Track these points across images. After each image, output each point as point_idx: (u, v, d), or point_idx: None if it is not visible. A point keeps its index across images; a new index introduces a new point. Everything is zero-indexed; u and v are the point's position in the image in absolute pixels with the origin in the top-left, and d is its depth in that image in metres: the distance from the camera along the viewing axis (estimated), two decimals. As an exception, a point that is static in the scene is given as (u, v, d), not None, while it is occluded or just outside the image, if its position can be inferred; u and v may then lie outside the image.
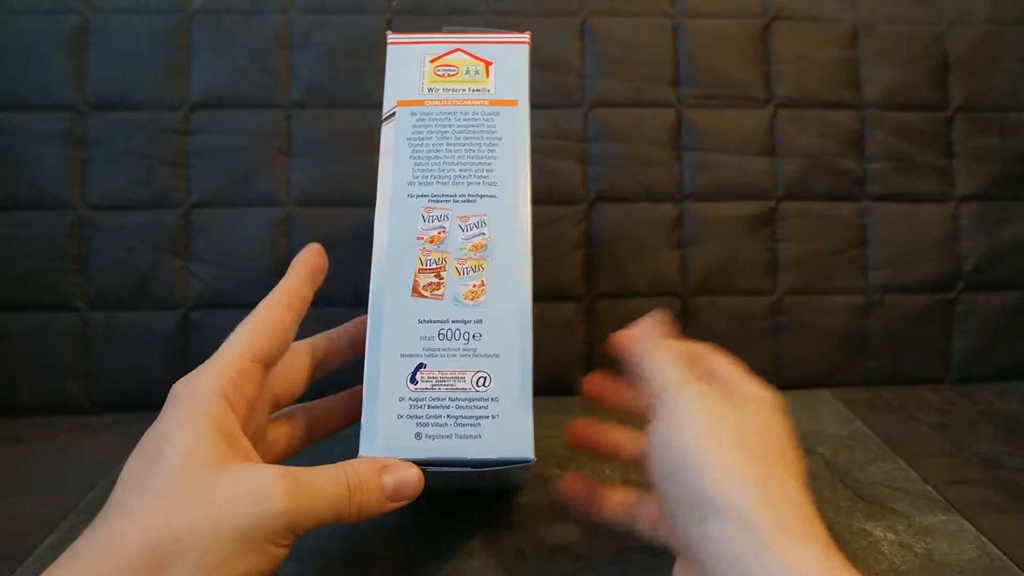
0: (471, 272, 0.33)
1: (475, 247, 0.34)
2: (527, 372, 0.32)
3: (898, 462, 0.45)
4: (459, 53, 0.38)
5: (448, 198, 0.34)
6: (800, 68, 0.58)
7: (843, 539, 0.37)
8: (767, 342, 0.57)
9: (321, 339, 0.37)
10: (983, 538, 0.37)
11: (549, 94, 0.56)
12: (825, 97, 0.58)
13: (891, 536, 0.37)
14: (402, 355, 0.32)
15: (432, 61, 0.37)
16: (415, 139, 0.35)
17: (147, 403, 0.53)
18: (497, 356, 0.32)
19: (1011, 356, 0.58)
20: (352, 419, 0.35)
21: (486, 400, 0.31)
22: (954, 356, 0.58)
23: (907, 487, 0.42)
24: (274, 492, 0.25)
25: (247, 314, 0.32)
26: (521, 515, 0.39)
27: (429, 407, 0.31)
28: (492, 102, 0.37)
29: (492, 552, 0.35)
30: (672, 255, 0.57)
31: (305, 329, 0.35)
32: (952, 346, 0.58)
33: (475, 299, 0.33)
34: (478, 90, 0.37)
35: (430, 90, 0.37)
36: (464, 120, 0.36)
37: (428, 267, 0.33)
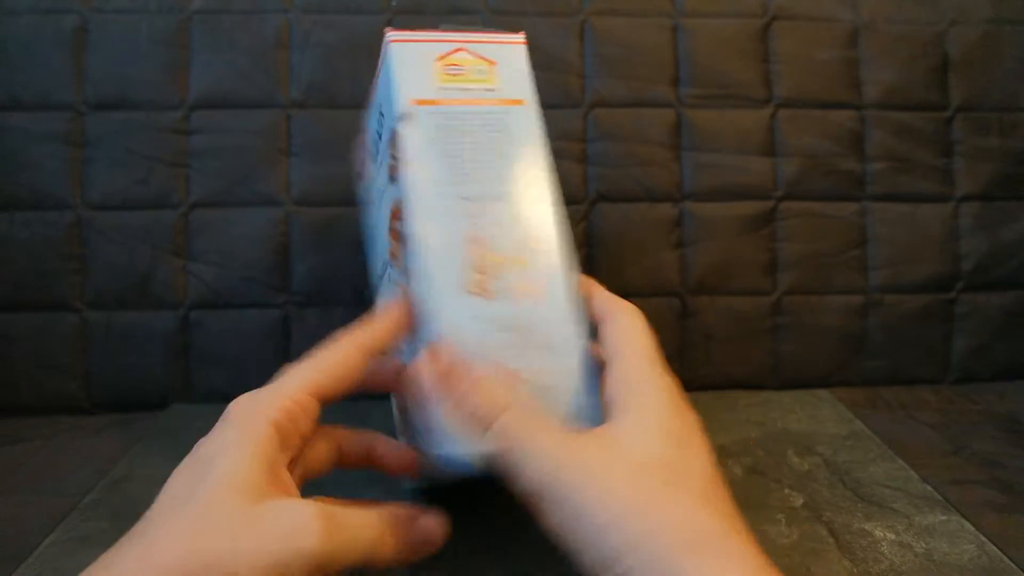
0: (515, 269, 0.33)
1: (514, 244, 0.33)
2: (584, 363, 0.32)
3: (898, 462, 0.45)
4: (464, 52, 0.37)
5: (483, 198, 0.34)
6: (800, 68, 0.58)
7: (843, 539, 0.37)
8: (767, 342, 0.57)
9: (345, 431, 0.34)
10: (983, 538, 0.37)
11: (549, 94, 0.55)
12: (825, 97, 0.58)
13: (891, 536, 0.37)
14: (473, 351, 0.31)
15: (439, 60, 0.37)
16: (440, 139, 0.35)
17: (147, 403, 0.54)
18: (550, 348, 0.32)
19: (1011, 356, 0.58)
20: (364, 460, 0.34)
21: (542, 390, 0.31)
22: (954, 356, 0.58)
23: (907, 487, 0.42)
24: (311, 529, 0.25)
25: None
26: (522, 513, 0.38)
27: None
28: (502, 101, 0.36)
29: (492, 552, 0.35)
30: (672, 255, 0.57)
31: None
32: (952, 346, 0.58)
33: (522, 296, 0.32)
34: (489, 89, 0.36)
35: (443, 89, 0.36)
36: (483, 119, 0.36)
37: (476, 267, 0.32)
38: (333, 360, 0.31)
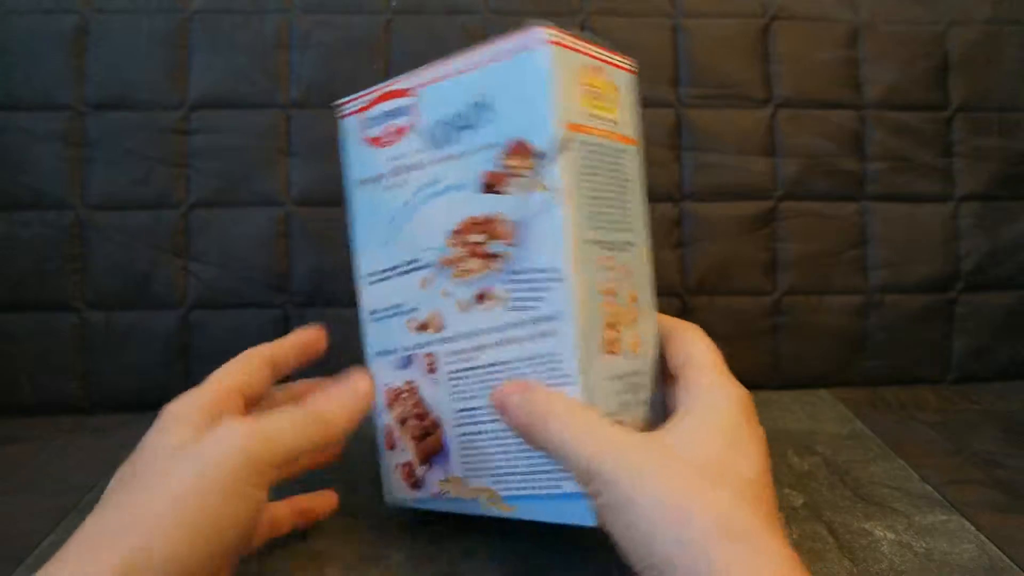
0: (632, 323, 0.32)
1: (632, 298, 0.32)
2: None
3: (898, 462, 0.45)
4: (603, 73, 0.32)
5: (612, 246, 0.31)
6: (800, 68, 0.58)
7: (843, 538, 0.37)
8: (767, 342, 0.57)
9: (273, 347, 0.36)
10: (983, 537, 0.37)
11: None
12: (825, 97, 0.58)
13: (891, 535, 0.37)
14: (604, 415, 0.30)
15: (584, 75, 0.31)
16: (587, 174, 0.30)
17: (147, 403, 0.53)
18: (648, 401, 0.32)
19: (1011, 356, 0.58)
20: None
21: None
22: (954, 356, 0.58)
23: (907, 487, 0.42)
24: (229, 434, 0.27)
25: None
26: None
27: None
28: (620, 138, 0.32)
29: (492, 552, 0.35)
30: (672, 255, 0.57)
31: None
32: (952, 346, 0.58)
33: (636, 351, 0.32)
34: (613, 121, 0.32)
35: (591, 116, 0.31)
36: (608, 157, 0.32)
37: (609, 322, 0.31)
38: (237, 367, 0.32)
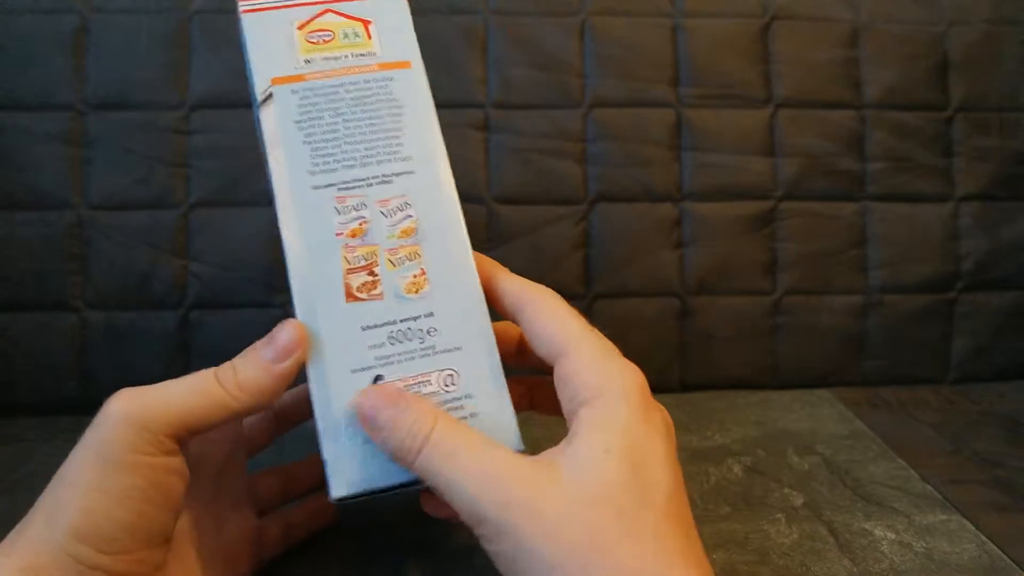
0: (407, 261, 0.29)
1: (404, 232, 0.30)
2: (495, 358, 0.29)
3: (898, 462, 0.45)
4: (330, 15, 0.32)
5: (360, 183, 0.30)
6: (800, 68, 0.58)
7: (843, 538, 0.37)
8: (767, 342, 0.57)
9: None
10: (983, 537, 0.37)
11: (549, 94, 0.56)
12: (825, 97, 0.58)
13: (891, 535, 0.37)
14: (353, 371, 0.28)
15: (301, 27, 0.32)
16: (305, 121, 0.30)
17: (147, 403, 0.54)
18: (460, 349, 0.29)
19: (1011, 356, 0.58)
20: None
21: (460, 399, 0.28)
22: (954, 356, 0.58)
23: (907, 486, 0.42)
24: (114, 401, 0.25)
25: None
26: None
27: None
28: (382, 66, 0.32)
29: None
30: (672, 255, 0.57)
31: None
32: (952, 346, 0.58)
33: (419, 290, 0.29)
34: (363, 55, 0.32)
35: (307, 62, 0.31)
36: (356, 91, 0.31)
37: (357, 265, 0.29)
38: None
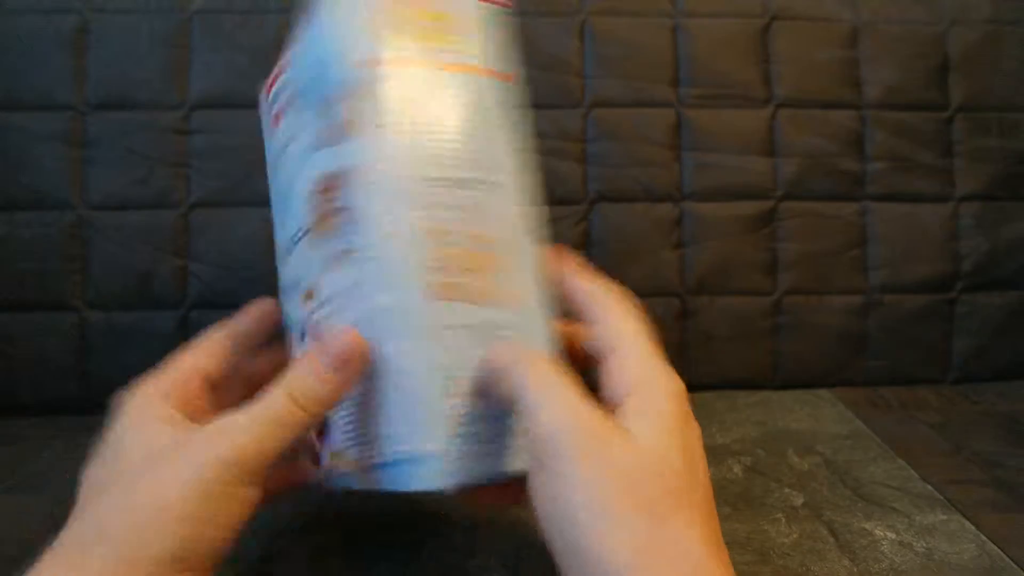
0: (484, 270, 0.29)
1: (481, 241, 0.29)
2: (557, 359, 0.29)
3: (898, 462, 0.45)
4: (453, 5, 0.32)
5: (451, 183, 0.29)
6: (800, 68, 0.58)
7: (843, 538, 0.37)
8: (767, 342, 0.57)
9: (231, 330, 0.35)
10: (983, 537, 0.37)
11: (549, 94, 0.56)
12: (825, 97, 0.58)
13: (891, 535, 0.37)
14: (438, 368, 0.28)
15: (409, 8, 0.31)
16: (409, 109, 0.30)
17: (147, 403, 0.54)
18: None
19: (1011, 356, 0.58)
20: None
21: None
22: (954, 356, 0.58)
23: (907, 487, 0.42)
24: (212, 447, 0.26)
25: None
26: (522, 511, 0.38)
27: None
28: (483, 71, 0.32)
29: (493, 550, 0.35)
30: (672, 255, 0.57)
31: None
32: (952, 346, 0.58)
33: (489, 300, 0.29)
34: (472, 55, 0.32)
35: (429, 49, 0.31)
36: (458, 89, 0.31)
37: (438, 265, 0.28)
38: (196, 351, 0.32)
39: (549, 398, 0.25)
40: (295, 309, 0.33)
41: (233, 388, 0.32)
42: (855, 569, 0.35)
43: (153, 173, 0.54)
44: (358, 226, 0.29)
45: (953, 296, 0.58)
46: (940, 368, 0.58)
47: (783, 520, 0.38)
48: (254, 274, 0.54)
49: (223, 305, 0.54)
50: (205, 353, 0.32)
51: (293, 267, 0.33)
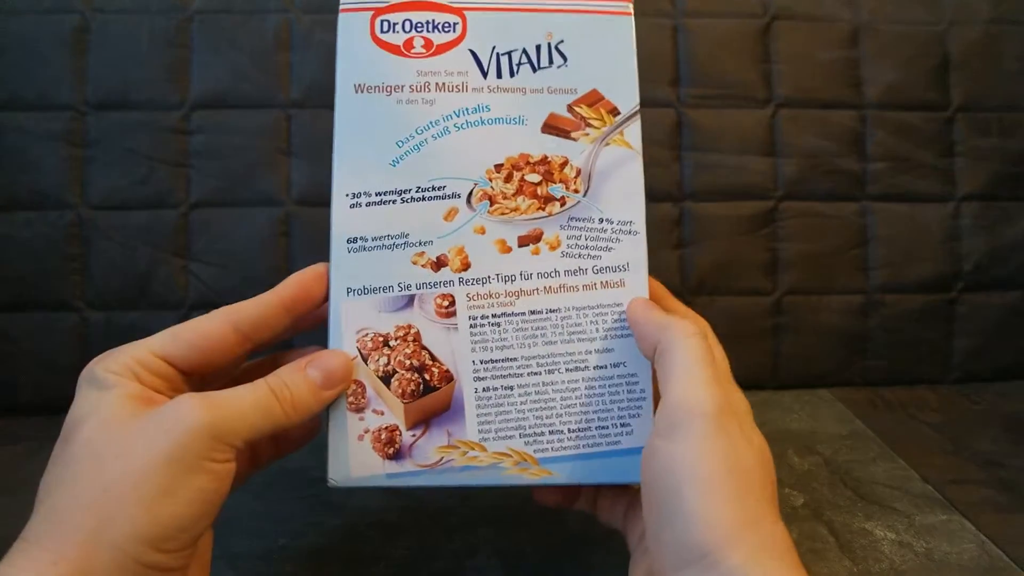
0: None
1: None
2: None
3: (898, 462, 0.45)
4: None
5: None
6: (800, 68, 0.58)
7: (843, 538, 0.37)
8: (767, 342, 0.57)
9: (248, 307, 0.30)
10: (983, 537, 0.37)
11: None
12: (825, 97, 0.58)
13: (891, 535, 0.37)
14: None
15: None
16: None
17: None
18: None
19: (1011, 356, 0.58)
20: None
21: None
22: (954, 356, 0.58)
23: (907, 487, 0.42)
24: (190, 411, 0.26)
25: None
26: (522, 512, 0.39)
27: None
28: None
29: (493, 550, 0.35)
30: (672, 255, 0.57)
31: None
32: (952, 346, 0.58)
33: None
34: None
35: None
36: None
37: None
38: (190, 328, 0.29)
39: (694, 374, 0.27)
40: (396, 268, 0.30)
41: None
42: (855, 569, 0.35)
43: (153, 173, 0.54)
44: (596, 228, 0.32)
45: (953, 296, 0.58)
46: (940, 368, 0.58)
47: (783, 520, 0.38)
48: (254, 274, 0.54)
49: (223, 305, 0.54)
50: (183, 336, 0.29)
51: (401, 221, 0.31)
